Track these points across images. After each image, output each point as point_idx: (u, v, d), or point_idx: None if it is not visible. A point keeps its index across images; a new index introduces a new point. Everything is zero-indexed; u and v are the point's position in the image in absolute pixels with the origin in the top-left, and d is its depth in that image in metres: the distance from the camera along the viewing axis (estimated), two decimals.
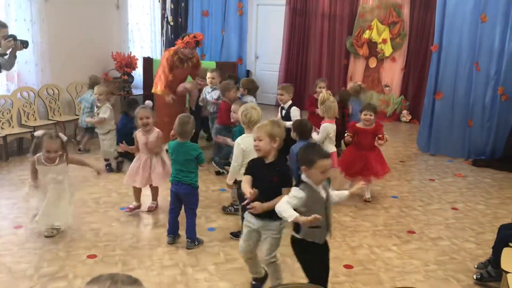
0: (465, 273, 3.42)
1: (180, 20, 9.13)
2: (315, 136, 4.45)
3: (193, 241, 3.66)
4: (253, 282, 3.13)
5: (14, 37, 4.77)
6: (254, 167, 2.86)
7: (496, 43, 6.10)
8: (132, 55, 7.65)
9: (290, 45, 9.97)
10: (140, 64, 7.75)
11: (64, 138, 3.60)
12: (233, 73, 7.28)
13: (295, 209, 2.50)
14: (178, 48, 5.75)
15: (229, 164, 3.67)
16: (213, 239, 3.81)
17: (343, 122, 5.79)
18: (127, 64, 7.47)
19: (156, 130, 4.16)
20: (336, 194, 2.76)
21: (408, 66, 9.11)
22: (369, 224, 4.25)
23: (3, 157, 5.64)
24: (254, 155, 3.61)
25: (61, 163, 3.59)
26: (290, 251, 3.37)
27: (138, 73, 7.95)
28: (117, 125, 5.45)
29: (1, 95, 5.83)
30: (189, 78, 6.21)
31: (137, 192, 4.30)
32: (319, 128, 4.55)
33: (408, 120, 9.08)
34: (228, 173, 3.64)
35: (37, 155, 3.56)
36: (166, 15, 8.83)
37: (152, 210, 4.33)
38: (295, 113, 4.97)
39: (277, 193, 2.74)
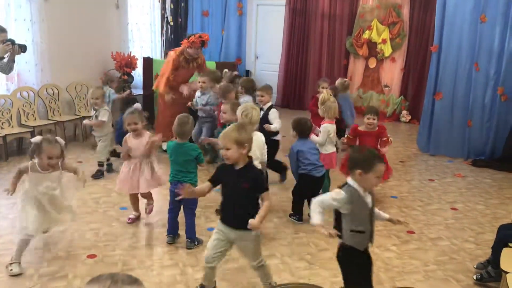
0: (465, 273, 3.42)
1: (180, 20, 9.14)
2: (316, 138, 4.44)
3: (193, 241, 3.66)
4: None
5: (12, 42, 4.76)
6: (223, 174, 2.73)
7: (496, 44, 6.11)
8: (132, 55, 7.65)
9: (290, 45, 9.96)
10: (140, 64, 7.75)
11: (62, 142, 3.33)
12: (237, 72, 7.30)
13: (337, 211, 2.41)
14: (184, 48, 5.77)
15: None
16: None
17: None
18: (127, 64, 7.47)
19: (147, 133, 3.97)
20: (376, 211, 2.59)
21: (407, 66, 9.12)
22: None
23: (3, 157, 5.64)
24: (254, 155, 3.63)
25: (56, 169, 3.31)
26: (290, 251, 3.36)
27: (138, 73, 7.95)
28: (117, 124, 5.46)
29: (1, 95, 5.83)
30: (193, 77, 6.21)
31: (135, 201, 4.11)
32: (319, 128, 4.55)
33: (407, 120, 9.08)
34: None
35: (30, 162, 3.23)
36: (166, 15, 8.83)
37: (150, 212, 4.16)
38: (274, 115, 4.85)
39: (250, 201, 2.64)
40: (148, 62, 7.55)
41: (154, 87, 5.88)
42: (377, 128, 4.58)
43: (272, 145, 4.63)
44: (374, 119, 4.50)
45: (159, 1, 8.68)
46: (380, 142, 4.59)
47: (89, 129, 6.24)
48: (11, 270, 3.17)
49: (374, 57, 9.36)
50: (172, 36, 8.98)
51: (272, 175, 5.45)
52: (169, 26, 8.91)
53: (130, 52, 7.81)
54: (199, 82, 5.70)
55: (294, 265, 3.43)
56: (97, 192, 4.76)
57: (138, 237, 3.84)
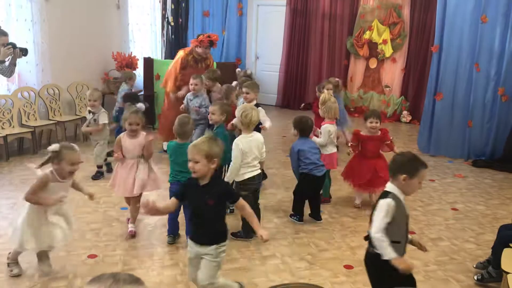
0: (465, 274, 3.42)
1: (180, 20, 9.15)
2: (317, 139, 4.43)
3: None
4: None
5: (13, 45, 4.77)
6: (188, 190, 2.58)
7: (496, 44, 6.11)
8: (132, 55, 7.66)
9: (291, 45, 9.96)
10: (140, 64, 7.76)
11: (78, 148, 3.10)
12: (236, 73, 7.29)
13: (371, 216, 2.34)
14: (193, 47, 5.79)
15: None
16: None
17: None
18: (127, 64, 7.47)
19: (143, 133, 3.82)
20: None
21: (408, 67, 9.12)
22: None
23: (4, 157, 5.64)
24: (253, 155, 3.63)
25: (72, 178, 3.15)
26: (290, 250, 3.35)
27: (138, 73, 7.94)
28: (117, 123, 5.46)
29: (2, 95, 5.84)
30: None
31: (134, 212, 3.90)
32: (319, 129, 4.54)
33: (408, 121, 9.08)
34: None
35: (47, 171, 3.01)
36: (166, 16, 8.85)
37: (132, 234, 3.81)
38: (262, 113, 4.65)
39: (217, 216, 2.56)
40: (148, 63, 7.55)
41: (161, 86, 5.88)
42: (379, 132, 4.49)
43: None
44: (377, 122, 4.40)
45: (159, 2, 8.69)
46: (384, 146, 4.52)
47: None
48: (11, 271, 3.16)
49: (375, 57, 9.36)
50: (173, 37, 8.99)
51: (272, 175, 5.45)
52: (169, 27, 8.92)
53: (131, 52, 7.82)
54: (191, 84, 5.36)
55: (295, 265, 3.43)
56: (97, 192, 4.71)
57: (138, 237, 3.83)
